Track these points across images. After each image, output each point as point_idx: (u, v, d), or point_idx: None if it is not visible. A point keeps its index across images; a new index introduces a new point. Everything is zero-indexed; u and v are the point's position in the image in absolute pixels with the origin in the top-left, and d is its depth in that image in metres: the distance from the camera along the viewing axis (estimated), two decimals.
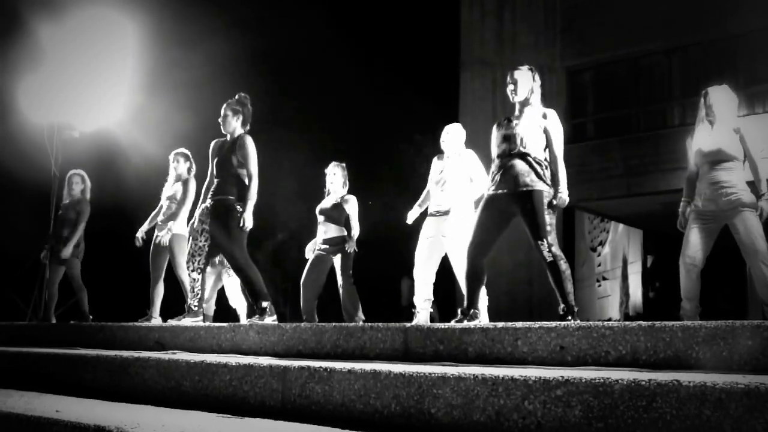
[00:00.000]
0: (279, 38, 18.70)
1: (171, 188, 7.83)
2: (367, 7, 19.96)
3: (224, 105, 6.31)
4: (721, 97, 5.64)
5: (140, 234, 7.80)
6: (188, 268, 6.99)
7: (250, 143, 6.15)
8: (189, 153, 7.94)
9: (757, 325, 3.36)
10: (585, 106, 16.94)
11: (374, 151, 18.92)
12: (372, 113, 19.31)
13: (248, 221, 5.99)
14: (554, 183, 5.21)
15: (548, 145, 5.25)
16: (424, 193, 6.91)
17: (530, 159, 5.18)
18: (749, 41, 14.37)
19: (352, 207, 7.61)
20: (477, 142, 7.09)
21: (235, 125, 6.26)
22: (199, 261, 6.76)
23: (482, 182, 6.04)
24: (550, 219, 5.11)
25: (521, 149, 5.20)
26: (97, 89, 11.86)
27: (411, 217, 6.86)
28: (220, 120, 6.29)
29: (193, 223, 6.99)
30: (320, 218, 7.66)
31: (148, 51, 12.90)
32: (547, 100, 5.52)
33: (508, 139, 5.28)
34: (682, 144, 5.86)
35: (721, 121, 5.57)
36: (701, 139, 5.60)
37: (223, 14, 16.91)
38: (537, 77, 5.40)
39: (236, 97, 6.36)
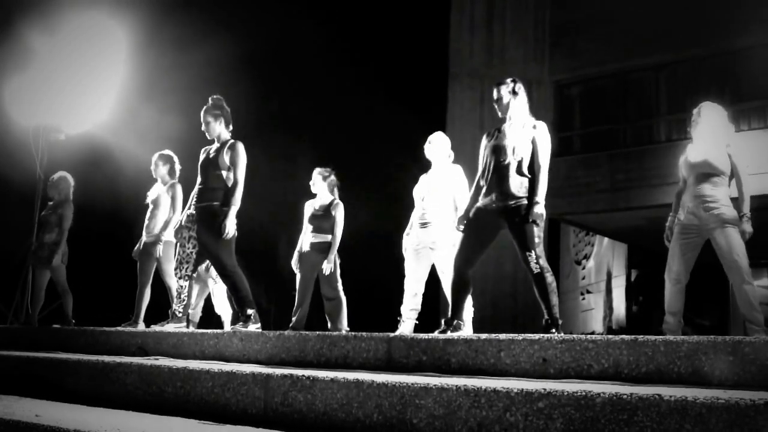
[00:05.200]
0: (268, 46, 18.71)
1: (154, 192, 7.76)
2: (357, 16, 20.01)
3: (203, 112, 6.27)
4: (711, 113, 5.69)
5: (137, 249, 7.72)
6: (176, 275, 6.96)
7: (241, 149, 6.11)
8: (172, 155, 7.85)
9: (738, 340, 3.39)
10: (572, 120, 17.02)
11: (361, 159, 18.93)
12: (360, 123, 19.34)
13: (230, 228, 5.93)
14: (531, 194, 5.16)
15: (533, 156, 5.27)
16: (413, 216, 6.70)
17: (519, 172, 5.20)
18: (737, 59, 14.50)
19: (339, 214, 7.59)
20: (464, 153, 7.10)
21: (219, 129, 6.24)
22: (187, 268, 6.74)
23: (464, 200, 5.92)
24: (538, 231, 5.13)
25: (511, 162, 5.22)
26: (84, 92, 11.80)
27: (405, 248, 6.76)
28: (203, 128, 6.27)
29: (179, 229, 6.97)
30: (309, 226, 7.63)
31: (136, 54, 12.87)
32: (535, 114, 5.54)
33: (498, 150, 5.30)
34: (668, 159, 5.92)
35: (710, 135, 5.61)
36: (690, 152, 5.67)
37: (213, 18, 16.89)
38: (520, 88, 5.42)
39: (211, 101, 6.31)
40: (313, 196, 7.79)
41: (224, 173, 6.08)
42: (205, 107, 6.29)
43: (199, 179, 6.24)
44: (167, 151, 7.85)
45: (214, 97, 6.34)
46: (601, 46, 15.92)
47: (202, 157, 6.28)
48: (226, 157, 6.08)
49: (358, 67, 19.44)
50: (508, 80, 5.48)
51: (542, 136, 5.31)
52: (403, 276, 6.63)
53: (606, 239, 19.50)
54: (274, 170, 17.67)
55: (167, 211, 7.60)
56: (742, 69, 14.35)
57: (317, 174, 7.76)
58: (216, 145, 6.24)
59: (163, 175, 7.71)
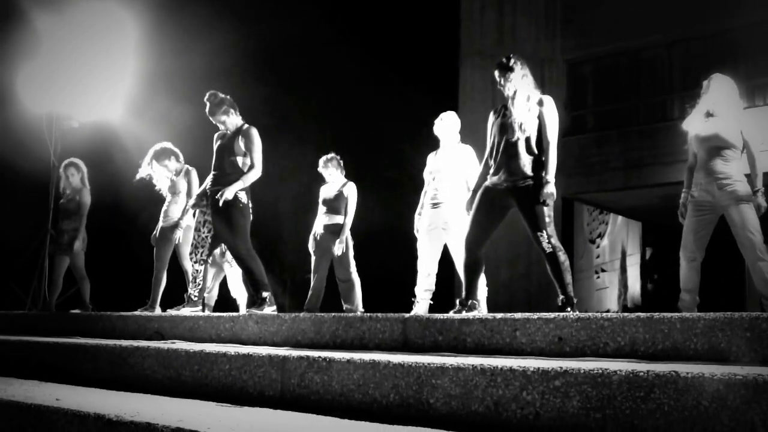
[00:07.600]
0: (277, 31, 18.64)
1: (165, 181, 7.76)
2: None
3: (210, 116, 6.25)
4: (722, 85, 5.62)
5: (154, 235, 7.74)
6: (191, 259, 7.02)
7: (255, 134, 6.14)
8: (172, 147, 7.80)
9: (755, 317, 3.37)
10: (585, 98, 16.92)
11: (372, 143, 18.91)
12: (370, 106, 19.28)
13: (227, 194, 5.90)
14: (541, 171, 5.11)
15: (541, 131, 5.20)
16: (422, 196, 6.74)
17: (528, 150, 5.16)
18: (750, 34, 14.34)
19: (351, 194, 7.61)
20: (476, 134, 7.07)
21: (233, 120, 6.26)
22: (202, 252, 6.79)
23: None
24: (548, 210, 5.09)
25: (519, 140, 5.18)
26: (97, 79, 11.81)
27: (417, 229, 6.77)
28: (221, 129, 6.27)
29: (195, 214, 7.02)
30: (323, 209, 7.66)
31: (149, 42, 12.86)
32: (547, 92, 5.49)
33: (505, 128, 5.26)
34: (681, 137, 5.84)
35: (721, 108, 5.54)
36: (699, 125, 5.59)
37: (225, 8, 16.85)
38: (515, 63, 5.32)
39: (209, 103, 6.26)
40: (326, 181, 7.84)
41: (239, 159, 6.10)
42: (208, 110, 6.27)
43: (213, 164, 6.26)
44: (168, 145, 7.81)
45: (209, 94, 6.30)
46: (612, 24, 15.78)
47: (216, 142, 6.29)
48: (240, 144, 6.10)
49: (369, 49, 19.37)
50: (503, 58, 5.42)
51: (549, 111, 5.22)
52: (416, 257, 6.64)
53: (620, 217, 19.43)
54: (287, 158, 17.69)
55: (184, 196, 7.63)
56: (756, 44, 14.19)
57: (327, 161, 7.77)
58: (230, 131, 6.25)
59: (176, 166, 7.73)
